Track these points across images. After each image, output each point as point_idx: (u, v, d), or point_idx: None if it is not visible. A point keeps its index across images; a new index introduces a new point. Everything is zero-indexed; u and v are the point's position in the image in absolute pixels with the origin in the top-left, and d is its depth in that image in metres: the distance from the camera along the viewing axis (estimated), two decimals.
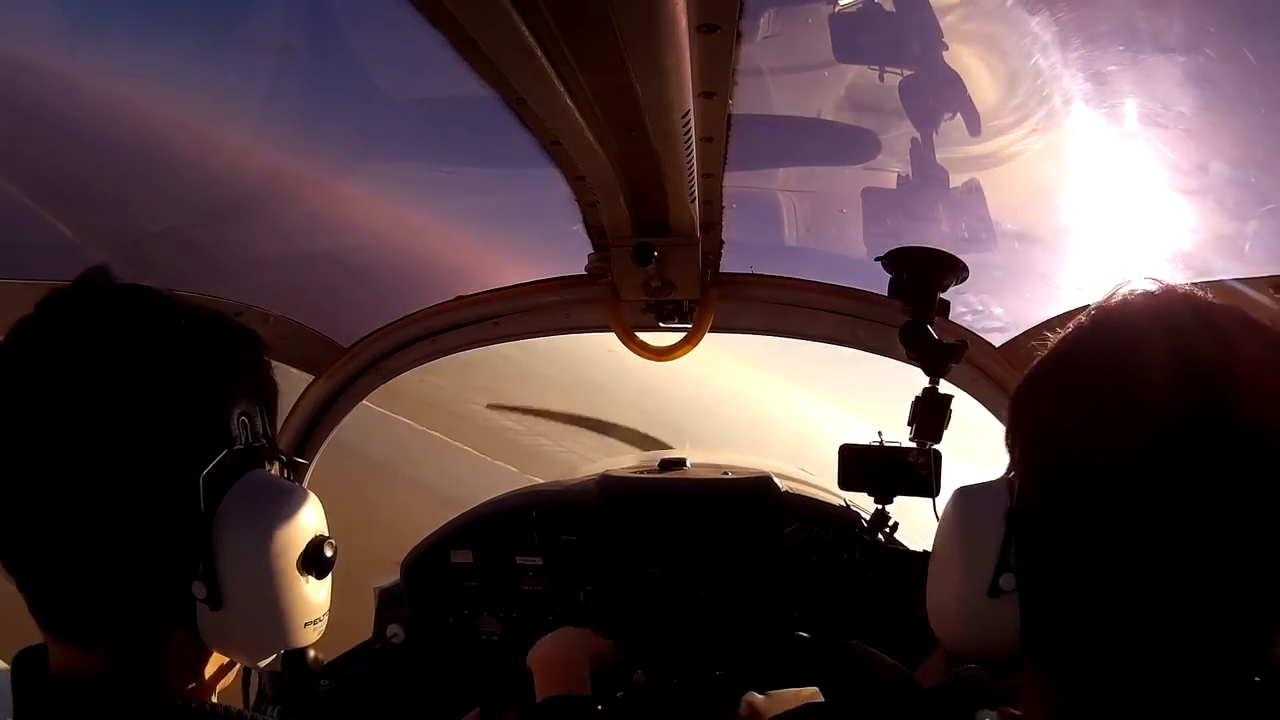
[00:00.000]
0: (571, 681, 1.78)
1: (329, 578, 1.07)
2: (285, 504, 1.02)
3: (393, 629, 2.63)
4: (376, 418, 8.72)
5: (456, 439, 10.43)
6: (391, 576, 2.72)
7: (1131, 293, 0.85)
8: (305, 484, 1.16)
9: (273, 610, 0.99)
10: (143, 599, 0.96)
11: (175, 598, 0.95)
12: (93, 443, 0.91)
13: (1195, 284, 0.86)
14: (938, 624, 0.98)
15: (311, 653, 1.90)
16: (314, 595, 1.04)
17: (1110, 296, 0.86)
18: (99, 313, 0.97)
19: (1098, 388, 0.82)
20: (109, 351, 0.94)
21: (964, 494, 0.94)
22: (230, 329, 1.10)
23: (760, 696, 2.03)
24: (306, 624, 1.04)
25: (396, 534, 3.12)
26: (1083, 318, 0.87)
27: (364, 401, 2.63)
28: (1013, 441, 0.91)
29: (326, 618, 1.08)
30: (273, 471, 1.08)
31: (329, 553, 1.05)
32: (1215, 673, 0.80)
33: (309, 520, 1.04)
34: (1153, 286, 0.85)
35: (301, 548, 1.02)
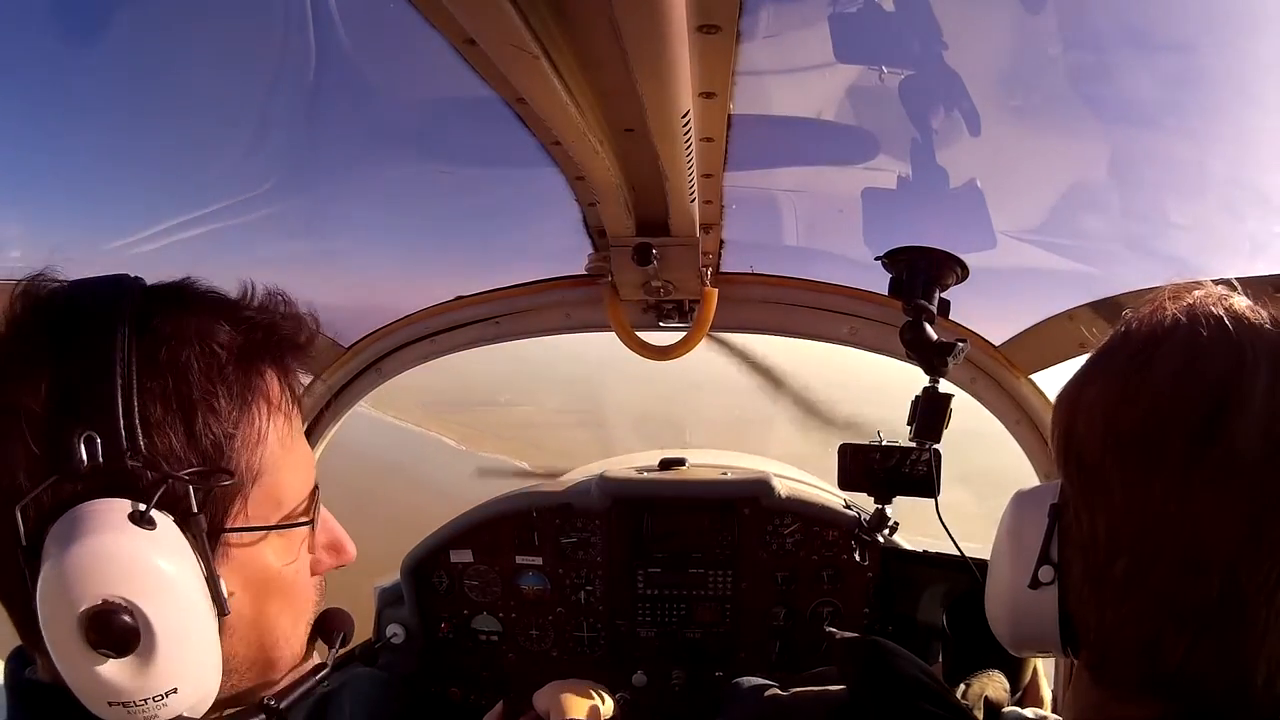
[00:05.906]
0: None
1: (146, 656, 0.79)
2: (82, 553, 0.76)
3: (393, 629, 2.64)
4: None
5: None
6: (392, 576, 2.72)
7: (1162, 302, 0.87)
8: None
9: (71, 678, 0.80)
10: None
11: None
12: None
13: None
14: (990, 617, 0.99)
15: None
16: (111, 674, 0.78)
17: (1147, 307, 0.88)
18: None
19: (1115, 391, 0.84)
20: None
21: (1019, 493, 0.98)
22: (126, 314, 0.82)
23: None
24: (111, 704, 0.79)
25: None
26: (1120, 325, 0.90)
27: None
28: (1053, 445, 0.94)
29: (158, 705, 0.80)
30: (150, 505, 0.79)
31: (126, 620, 0.77)
32: (1238, 663, 0.80)
33: (100, 580, 0.76)
34: (1195, 294, 0.85)
35: (79, 615, 0.76)
